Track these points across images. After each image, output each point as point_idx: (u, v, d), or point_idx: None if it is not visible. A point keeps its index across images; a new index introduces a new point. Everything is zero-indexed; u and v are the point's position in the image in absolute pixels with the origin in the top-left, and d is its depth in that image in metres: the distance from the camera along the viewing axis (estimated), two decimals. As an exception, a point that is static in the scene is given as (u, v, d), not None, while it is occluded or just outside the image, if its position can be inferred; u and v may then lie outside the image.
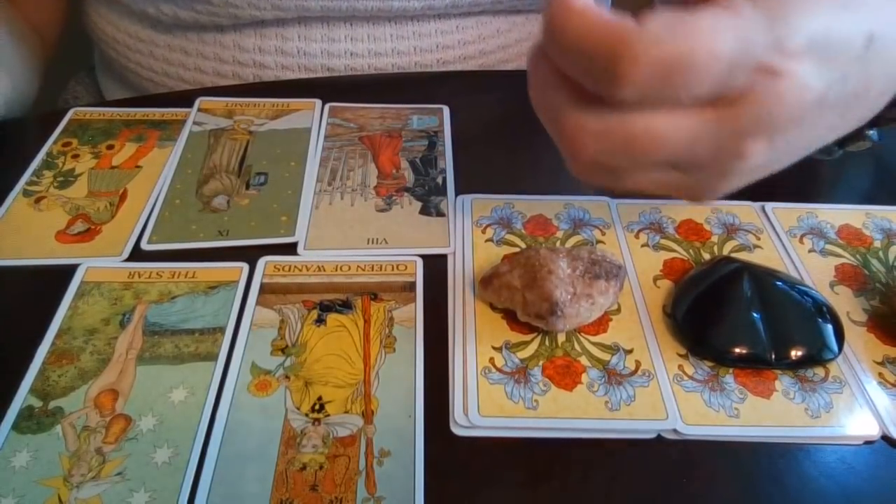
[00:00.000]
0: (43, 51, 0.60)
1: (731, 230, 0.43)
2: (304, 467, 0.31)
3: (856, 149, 0.42)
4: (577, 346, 0.36)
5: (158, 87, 0.59)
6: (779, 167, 0.29)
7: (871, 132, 0.41)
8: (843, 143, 0.41)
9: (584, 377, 0.35)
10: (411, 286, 0.39)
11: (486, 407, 0.33)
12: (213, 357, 0.35)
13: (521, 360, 0.35)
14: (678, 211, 0.45)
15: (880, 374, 0.36)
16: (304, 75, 0.56)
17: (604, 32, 0.21)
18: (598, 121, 0.24)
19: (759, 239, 0.43)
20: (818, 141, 0.29)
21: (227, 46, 0.55)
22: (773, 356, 0.35)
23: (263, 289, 0.38)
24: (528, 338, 0.37)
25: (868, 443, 0.33)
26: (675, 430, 0.33)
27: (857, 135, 0.40)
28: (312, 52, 0.54)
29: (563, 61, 0.23)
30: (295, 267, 0.40)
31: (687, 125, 0.24)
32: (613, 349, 0.36)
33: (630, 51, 0.21)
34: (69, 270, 0.39)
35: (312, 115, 0.51)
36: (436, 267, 0.40)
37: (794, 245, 0.43)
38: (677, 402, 0.34)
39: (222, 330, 0.36)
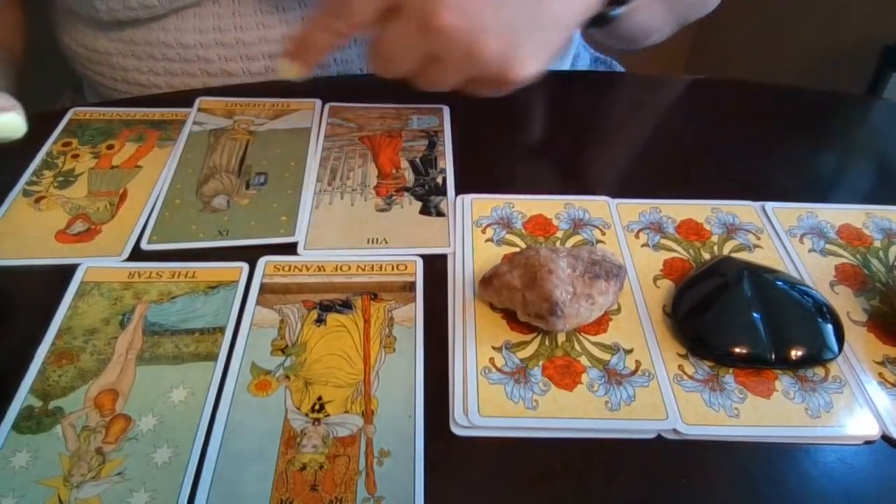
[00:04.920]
0: (12, 63, 0.61)
1: (731, 230, 0.43)
2: (304, 467, 0.31)
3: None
4: (577, 346, 0.36)
5: (123, 94, 0.59)
6: (525, 44, 0.36)
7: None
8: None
9: (584, 377, 0.35)
10: (411, 286, 0.39)
11: (486, 407, 0.33)
12: (213, 357, 0.35)
13: (521, 360, 0.35)
14: (678, 211, 0.45)
15: (880, 374, 0.36)
16: (245, 65, 0.55)
17: None
18: None
19: (759, 239, 0.43)
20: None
21: (171, 45, 0.55)
22: (774, 356, 0.35)
23: (263, 289, 0.38)
24: (528, 338, 0.37)
25: (868, 443, 0.33)
26: (675, 430, 0.33)
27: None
28: (250, 40, 0.54)
29: None
30: (295, 267, 0.40)
31: None
32: (613, 349, 0.36)
33: None
34: (69, 270, 0.39)
35: (312, 115, 0.51)
36: (436, 267, 0.40)
37: (794, 245, 0.43)
38: (677, 401, 0.34)
39: (222, 330, 0.36)
